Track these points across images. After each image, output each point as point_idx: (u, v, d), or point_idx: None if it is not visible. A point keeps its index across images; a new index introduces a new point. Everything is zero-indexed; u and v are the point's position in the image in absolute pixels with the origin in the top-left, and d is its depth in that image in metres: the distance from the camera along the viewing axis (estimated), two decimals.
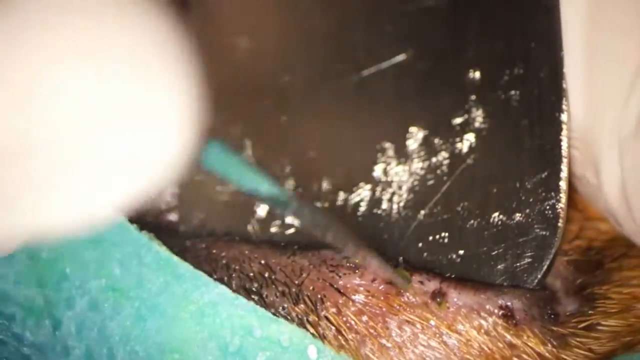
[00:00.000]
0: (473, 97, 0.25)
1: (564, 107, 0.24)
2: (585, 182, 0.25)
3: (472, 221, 0.25)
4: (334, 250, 0.24)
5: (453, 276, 0.24)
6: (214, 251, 0.24)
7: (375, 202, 0.25)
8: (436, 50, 0.25)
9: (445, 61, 0.25)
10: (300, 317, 0.23)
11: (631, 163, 0.23)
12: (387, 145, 0.25)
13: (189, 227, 0.26)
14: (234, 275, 0.24)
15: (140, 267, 0.25)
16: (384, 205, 0.25)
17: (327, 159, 0.26)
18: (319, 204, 0.25)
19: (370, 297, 0.23)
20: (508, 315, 0.23)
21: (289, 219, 0.24)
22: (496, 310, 0.23)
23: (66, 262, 0.24)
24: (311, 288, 0.23)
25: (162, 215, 0.26)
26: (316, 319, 0.23)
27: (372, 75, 0.25)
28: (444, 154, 0.25)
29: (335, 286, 0.23)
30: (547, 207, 0.24)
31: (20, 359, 0.24)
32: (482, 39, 0.25)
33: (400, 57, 0.25)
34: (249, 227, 0.25)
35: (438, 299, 0.23)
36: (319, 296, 0.23)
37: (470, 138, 0.25)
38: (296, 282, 0.23)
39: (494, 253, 0.25)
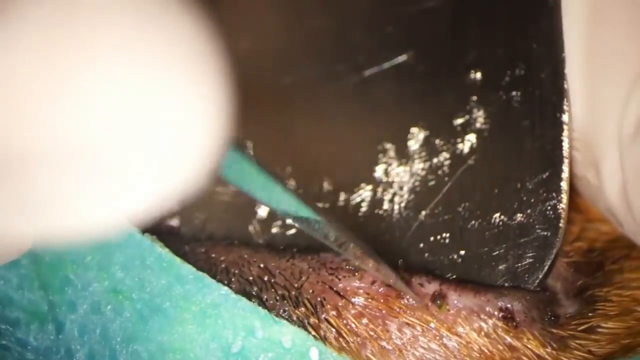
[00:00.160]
0: (474, 97, 0.25)
1: (565, 107, 0.24)
2: (586, 183, 0.25)
3: (473, 222, 0.25)
4: (333, 253, 0.24)
5: (453, 278, 0.24)
6: (213, 255, 0.25)
7: (376, 202, 0.25)
8: (437, 51, 0.25)
9: (446, 62, 0.25)
10: (301, 319, 0.23)
11: (631, 163, 0.22)
12: (389, 145, 0.25)
13: (189, 230, 0.26)
14: (233, 279, 0.24)
15: (143, 269, 0.25)
16: (385, 206, 0.25)
17: (329, 159, 0.26)
18: (320, 205, 0.25)
19: (370, 300, 0.23)
20: (508, 317, 0.23)
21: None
22: (496, 313, 0.23)
23: (69, 266, 0.24)
24: (311, 291, 0.23)
25: (162, 218, 0.26)
26: (317, 321, 0.23)
27: (373, 75, 0.25)
28: (445, 155, 0.25)
29: (335, 289, 0.23)
30: (549, 208, 0.24)
31: None
32: (484, 40, 0.25)
33: (402, 58, 0.25)
34: (250, 228, 0.25)
35: (438, 301, 0.23)
36: (319, 299, 0.23)
37: (471, 139, 0.25)
38: (296, 285, 0.24)
39: (495, 253, 0.25)
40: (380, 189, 0.25)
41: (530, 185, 0.25)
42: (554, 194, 0.24)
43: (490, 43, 0.25)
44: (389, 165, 0.25)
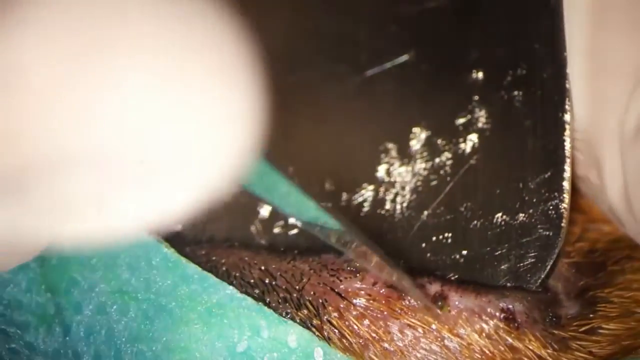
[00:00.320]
0: (476, 97, 0.25)
1: (567, 107, 0.24)
2: (588, 183, 0.25)
3: (475, 221, 0.25)
4: (334, 254, 0.24)
5: (455, 278, 0.24)
6: (214, 258, 0.25)
7: (378, 202, 0.25)
8: (440, 51, 0.25)
9: (448, 62, 0.25)
10: (303, 321, 0.24)
11: (633, 163, 0.22)
12: (391, 145, 0.25)
13: (190, 231, 0.26)
14: (234, 282, 0.24)
15: (149, 269, 0.25)
16: (387, 206, 0.25)
17: (330, 159, 0.26)
18: (322, 205, 0.26)
19: (371, 301, 0.23)
20: (509, 318, 0.23)
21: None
22: (497, 313, 0.23)
23: (75, 268, 0.25)
24: (312, 293, 0.24)
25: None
26: (319, 323, 0.24)
27: (375, 75, 0.25)
28: (447, 155, 0.25)
29: (336, 290, 0.24)
30: (551, 207, 0.24)
31: None
32: (486, 40, 0.25)
33: (404, 58, 0.25)
34: (252, 228, 0.26)
35: (439, 302, 0.23)
36: (321, 301, 0.24)
37: (473, 138, 0.25)
38: (297, 287, 0.24)
39: (497, 253, 0.25)
40: (382, 189, 0.25)
41: (532, 185, 0.25)
42: (556, 194, 0.24)
43: (492, 43, 0.24)
44: (391, 165, 0.25)
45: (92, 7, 0.12)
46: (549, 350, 0.22)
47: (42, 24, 0.12)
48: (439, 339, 0.23)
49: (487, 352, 0.23)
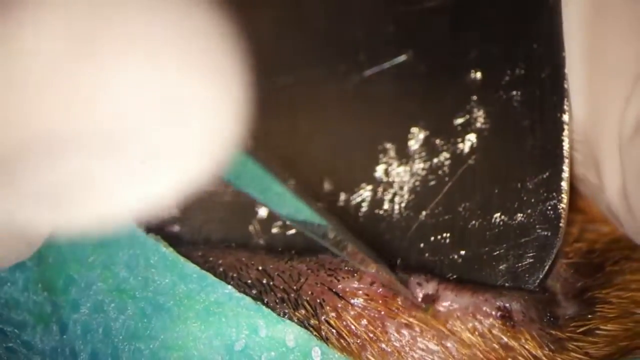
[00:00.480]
0: (474, 97, 0.25)
1: (565, 107, 0.24)
2: (586, 183, 0.25)
3: (473, 221, 0.25)
4: (331, 254, 0.24)
5: (452, 277, 0.24)
6: (211, 259, 0.25)
7: (376, 202, 0.25)
8: (438, 51, 0.25)
9: (446, 62, 0.25)
10: (301, 321, 0.24)
11: (631, 163, 0.22)
12: (389, 145, 0.25)
13: (187, 231, 0.26)
14: (232, 282, 0.24)
15: (147, 268, 0.25)
16: (386, 206, 0.25)
17: (329, 159, 0.26)
18: (320, 205, 0.26)
19: (369, 301, 0.23)
20: (506, 316, 0.23)
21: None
22: (494, 312, 0.23)
23: (73, 266, 0.25)
24: (310, 293, 0.24)
25: (161, 220, 0.26)
26: (317, 323, 0.24)
27: (373, 75, 0.25)
28: (445, 155, 0.25)
29: (334, 290, 0.24)
30: (549, 208, 0.24)
31: None
32: (484, 40, 0.25)
33: (402, 58, 0.25)
34: (250, 228, 0.26)
35: (424, 305, 0.23)
36: (318, 301, 0.24)
37: (471, 138, 0.25)
38: (294, 287, 0.24)
39: (495, 253, 0.25)
40: (380, 189, 0.25)
41: (530, 185, 0.25)
42: (554, 194, 0.24)
43: (491, 43, 0.25)
44: (390, 165, 0.25)
45: (83, 5, 0.12)
46: (544, 351, 0.22)
47: (40, 16, 0.12)
48: (437, 338, 0.23)
49: (482, 350, 0.23)
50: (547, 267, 0.24)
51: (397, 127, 0.25)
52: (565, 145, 0.24)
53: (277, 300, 0.24)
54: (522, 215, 0.25)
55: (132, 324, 0.24)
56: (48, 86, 0.12)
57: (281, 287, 0.24)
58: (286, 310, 0.24)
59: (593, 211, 0.25)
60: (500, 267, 0.25)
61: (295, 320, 0.24)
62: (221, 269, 0.25)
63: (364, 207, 0.25)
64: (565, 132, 0.24)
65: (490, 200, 0.25)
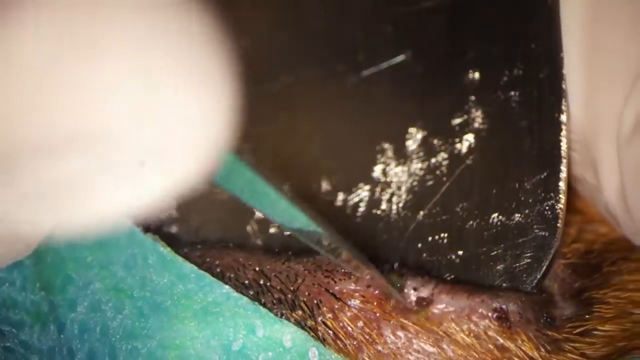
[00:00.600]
0: (472, 97, 0.25)
1: (563, 107, 0.24)
2: (584, 183, 0.25)
3: (471, 222, 0.25)
4: None
5: (450, 278, 0.24)
6: (208, 259, 0.25)
7: (374, 202, 0.25)
8: (436, 51, 0.25)
9: (444, 62, 0.25)
10: (298, 321, 0.24)
11: (629, 164, 0.22)
12: (387, 145, 0.25)
13: (186, 231, 0.26)
14: (229, 283, 0.24)
15: (145, 267, 0.25)
16: (383, 206, 0.25)
17: (327, 159, 0.26)
18: (318, 205, 0.26)
19: (365, 303, 0.23)
20: (502, 317, 0.23)
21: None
22: (490, 314, 0.23)
23: (70, 265, 0.25)
24: (307, 294, 0.24)
25: (160, 220, 0.26)
26: (314, 324, 0.23)
27: (371, 75, 0.25)
28: (443, 155, 0.25)
29: (331, 291, 0.24)
30: (547, 208, 0.24)
31: None
32: (482, 40, 0.25)
33: (400, 58, 0.25)
34: (248, 228, 0.26)
35: (416, 308, 0.23)
36: (315, 302, 0.23)
37: (469, 139, 0.25)
38: (292, 288, 0.24)
39: (493, 253, 0.25)
40: (378, 189, 0.25)
41: (528, 185, 0.25)
42: (552, 194, 0.24)
43: (489, 43, 0.24)
44: (387, 165, 0.25)
45: (82, 7, 0.12)
46: (540, 352, 0.22)
47: (40, 17, 0.12)
48: (432, 340, 0.23)
49: (477, 352, 0.23)
50: (544, 268, 0.24)
51: (395, 127, 0.25)
52: (563, 145, 0.24)
53: (275, 301, 0.24)
54: (519, 215, 0.25)
55: (129, 323, 0.24)
56: (47, 87, 0.12)
57: (278, 287, 0.24)
58: (283, 311, 0.24)
59: (591, 212, 0.25)
60: (498, 267, 0.25)
61: (292, 321, 0.24)
62: (218, 270, 0.25)
63: (362, 207, 0.25)
64: (563, 133, 0.24)
65: (488, 201, 0.25)
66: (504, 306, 0.23)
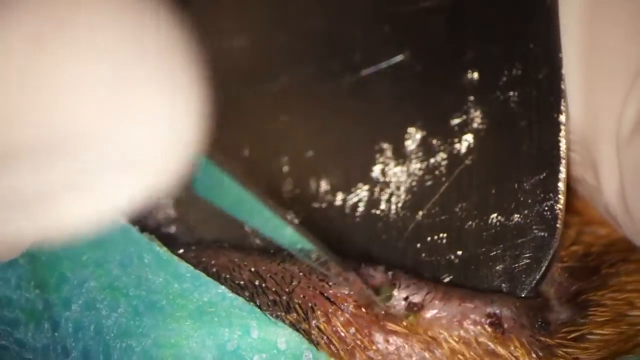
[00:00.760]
0: (471, 97, 0.25)
1: (562, 108, 0.24)
2: (584, 184, 0.25)
3: (470, 222, 0.25)
4: None
5: (445, 282, 0.24)
6: (203, 259, 0.25)
7: (373, 202, 0.25)
8: (434, 51, 0.25)
9: (443, 62, 0.25)
10: (293, 324, 0.23)
11: (629, 164, 0.22)
12: (386, 145, 0.25)
13: (183, 230, 0.26)
14: (224, 283, 0.24)
15: (141, 266, 0.25)
16: (382, 206, 0.25)
17: (325, 159, 0.26)
18: (317, 205, 0.26)
19: (357, 308, 0.23)
20: (496, 323, 0.23)
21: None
22: (483, 319, 0.23)
23: (65, 264, 0.24)
24: (302, 296, 0.23)
25: (155, 220, 0.26)
26: (308, 327, 0.23)
27: (370, 75, 0.25)
28: (442, 155, 0.25)
29: (325, 295, 0.23)
30: (546, 208, 0.24)
31: None
32: (481, 40, 0.25)
33: (399, 58, 0.25)
34: (246, 227, 0.25)
35: (405, 313, 0.23)
36: (310, 305, 0.23)
37: (468, 139, 0.25)
38: (287, 290, 0.24)
39: (492, 254, 0.25)
40: (377, 189, 0.25)
41: (527, 185, 0.24)
42: (551, 195, 0.24)
43: (488, 43, 0.25)
44: (386, 165, 0.25)
45: (48, 9, 0.12)
46: (532, 358, 0.22)
47: (10, 18, 0.12)
48: (424, 345, 0.23)
49: (467, 358, 0.22)
50: (543, 268, 0.24)
51: (394, 127, 0.25)
52: (562, 145, 0.24)
53: (269, 303, 0.24)
54: (518, 215, 0.25)
55: (124, 322, 0.24)
56: (22, 88, 0.12)
57: (273, 289, 0.24)
58: (278, 313, 0.24)
59: (590, 213, 0.25)
60: (497, 267, 0.24)
61: (287, 323, 0.24)
62: (214, 270, 0.24)
63: (361, 207, 0.25)
64: (562, 133, 0.24)
65: (487, 201, 0.25)
66: (497, 311, 0.23)
